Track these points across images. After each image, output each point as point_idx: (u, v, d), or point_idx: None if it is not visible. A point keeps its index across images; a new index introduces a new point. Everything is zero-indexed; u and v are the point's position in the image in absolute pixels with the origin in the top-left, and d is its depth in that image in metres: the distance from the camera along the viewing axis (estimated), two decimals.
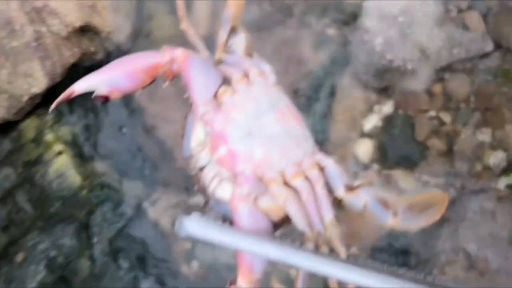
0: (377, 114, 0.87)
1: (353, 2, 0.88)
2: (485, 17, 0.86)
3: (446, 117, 0.87)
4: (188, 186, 0.75)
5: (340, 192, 0.42)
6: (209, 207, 0.44)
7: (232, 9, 0.47)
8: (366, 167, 0.87)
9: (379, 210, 0.40)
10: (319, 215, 0.41)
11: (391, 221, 0.40)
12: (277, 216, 0.42)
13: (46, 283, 0.68)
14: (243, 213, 0.41)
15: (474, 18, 0.85)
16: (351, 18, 0.87)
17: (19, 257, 0.69)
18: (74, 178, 0.77)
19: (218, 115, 0.43)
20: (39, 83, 0.70)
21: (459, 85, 0.86)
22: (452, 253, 0.86)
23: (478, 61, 0.86)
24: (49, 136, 0.76)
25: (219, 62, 0.47)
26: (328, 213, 0.41)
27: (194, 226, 0.39)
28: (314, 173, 0.42)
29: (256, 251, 0.39)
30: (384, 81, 0.86)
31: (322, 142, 0.87)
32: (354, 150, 0.87)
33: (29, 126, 0.77)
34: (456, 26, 0.85)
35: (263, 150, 0.42)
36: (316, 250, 0.40)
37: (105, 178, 0.80)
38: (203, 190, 0.44)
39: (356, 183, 0.42)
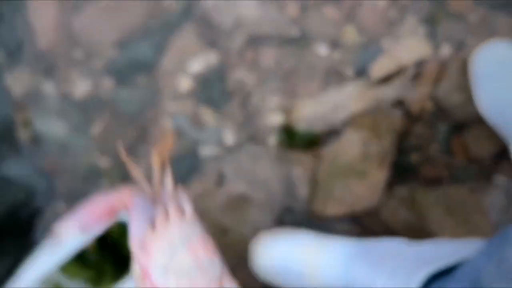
0: (202, 61, 1.11)
1: None
2: (302, 7, 1.09)
3: (250, 79, 1.11)
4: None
5: None
6: None
7: (156, 158, 0.51)
8: (182, 98, 1.11)
9: None
10: None
11: None
12: None
13: None
14: None
15: (291, 7, 1.09)
16: None
17: None
18: None
19: (143, 254, 0.50)
20: None
21: (266, 54, 1.09)
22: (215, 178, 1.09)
23: (285, 41, 1.09)
24: None
25: (157, 197, 0.52)
26: None
27: None
28: None
29: None
30: (211, 35, 1.10)
31: (152, 67, 1.11)
32: (175, 82, 1.10)
33: None
34: (275, 8, 1.08)
35: (176, 284, 0.49)
36: None
37: None
38: None
39: None
